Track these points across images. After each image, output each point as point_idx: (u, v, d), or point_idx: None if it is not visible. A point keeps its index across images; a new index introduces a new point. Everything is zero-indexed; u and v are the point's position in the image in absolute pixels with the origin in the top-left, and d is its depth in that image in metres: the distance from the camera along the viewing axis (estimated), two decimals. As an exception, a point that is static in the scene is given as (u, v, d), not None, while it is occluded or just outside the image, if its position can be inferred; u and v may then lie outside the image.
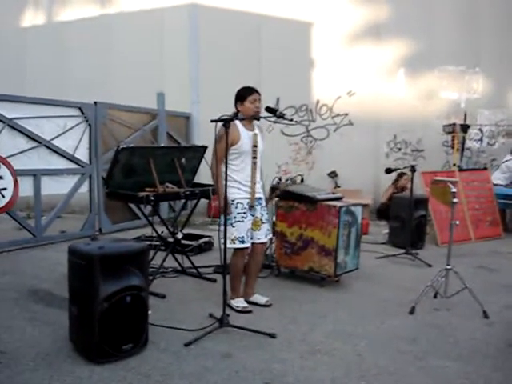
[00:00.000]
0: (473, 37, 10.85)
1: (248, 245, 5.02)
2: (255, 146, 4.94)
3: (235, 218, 4.90)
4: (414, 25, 10.97)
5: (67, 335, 4.06)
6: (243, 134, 4.88)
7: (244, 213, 4.93)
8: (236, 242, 4.92)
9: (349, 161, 11.15)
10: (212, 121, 4.33)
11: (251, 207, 4.98)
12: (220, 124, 4.40)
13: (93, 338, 3.70)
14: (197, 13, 11.60)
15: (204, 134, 10.39)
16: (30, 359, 3.83)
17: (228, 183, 4.76)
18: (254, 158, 4.96)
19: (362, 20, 11.15)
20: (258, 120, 4.93)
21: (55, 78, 12.38)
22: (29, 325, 4.56)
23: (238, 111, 4.96)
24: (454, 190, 5.22)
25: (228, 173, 4.76)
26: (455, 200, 5.23)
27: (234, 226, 4.90)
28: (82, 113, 8.52)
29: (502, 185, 9.68)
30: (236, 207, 4.90)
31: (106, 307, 3.69)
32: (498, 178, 9.82)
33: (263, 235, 5.18)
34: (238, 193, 4.91)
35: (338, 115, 11.45)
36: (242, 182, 4.93)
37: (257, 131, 5.02)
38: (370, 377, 3.69)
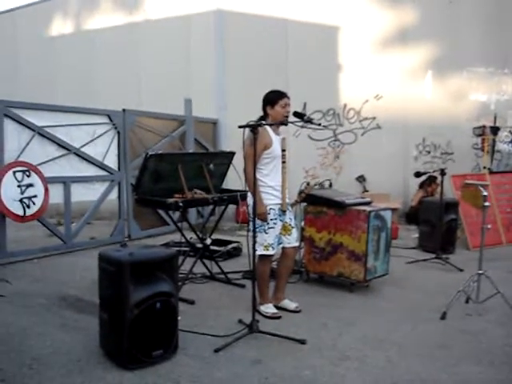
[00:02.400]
0: (501, 37, 10.70)
1: (276, 251, 5.01)
2: (284, 150, 4.92)
3: (268, 224, 4.89)
4: (440, 27, 10.86)
5: (98, 341, 4.09)
6: (273, 138, 4.87)
7: (275, 219, 4.92)
8: (269, 248, 4.91)
9: (377, 165, 11.07)
10: (240, 126, 4.32)
11: (284, 212, 4.97)
12: (248, 129, 4.39)
13: (123, 344, 3.72)
14: (222, 18, 11.64)
15: (231, 140, 10.43)
16: (61, 365, 3.86)
17: (260, 188, 4.77)
18: (284, 162, 4.93)
19: (388, 23, 11.08)
20: (286, 125, 4.91)
21: (84, 85, 12.55)
22: (60, 331, 4.60)
23: (266, 115, 4.95)
24: (485, 193, 5.15)
25: (260, 178, 4.78)
26: (487, 203, 5.16)
27: (267, 233, 4.89)
28: (111, 120, 8.60)
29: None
30: (269, 213, 4.88)
31: (136, 313, 3.71)
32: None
33: (294, 239, 5.16)
34: (270, 198, 4.90)
35: (365, 119, 11.38)
36: (274, 187, 4.92)
37: (283, 135, 5.01)
38: (402, 383, 3.64)
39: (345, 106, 11.45)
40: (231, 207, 6.56)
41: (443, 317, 5.00)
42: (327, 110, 11.46)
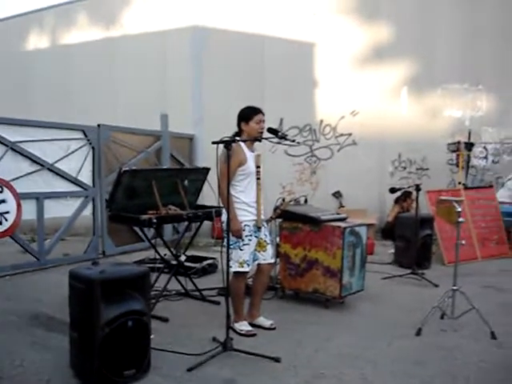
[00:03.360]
0: (474, 54, 10.83)
1: (251, 267, 4.97)
2: (258, 166, 4.89)
3: (243, 240, 4.85)
4: (415, 44, 10.98)
5: (68, 361, 4.00)
6: (248, 154, 4.85)
7: (250, 235, 4.88)
8: (244, 265, 4.87)
9: (353, 180, 11.11)
10: (213, 142, 4.29)
11: (259, 228, 4.94)
12: (222, 146, 4.36)
13: (93, 364, 3.65)
14: (200, 35, 11.66)
15: (208, 155, 10.28)
16: (31, 385, 3.77)
17: (235, 205, 4.75)
18: (258, 178, 4.91)
19: (364, 40, 11.17)
20: (260, 141, 4.89)
21: (59, 100, 12.45)
22: (30, 350, 4.51)
23: (240, 131, 4.94)
24: (459, 209, 5.17)
25: (235, 194, 4.76)
26: (461, 219, 5.18)
27: (242, 249, 4.85)
28: (86, 135, 8.52)
29: (508, 202, 9.61)
30: (244, 230, 4.85)
31: (107, 332, 3.64)
32: (503, 195, 9.75)
33: (269, 256, 5.13)
34: (245, 215, 4.86)
35: (341, 135, 11.43)
36: (249, 204, 4.89)
37: (258, 152, 4.99)
38: (376, 401, 3.61)
39: (321, 121, 11.50)
40: (207, 223, 6.51)
41: (418, 333, 4.98)
42: (304, 125, 11.50)
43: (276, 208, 6.18)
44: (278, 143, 5.26)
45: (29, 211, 7.55)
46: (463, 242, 5.30)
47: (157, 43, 11.95)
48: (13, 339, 4.79)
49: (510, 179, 9.91)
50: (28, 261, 7.79)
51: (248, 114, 4.89)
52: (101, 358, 3.64)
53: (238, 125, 4.95)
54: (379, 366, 4.24)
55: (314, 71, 11.48)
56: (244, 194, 4.86)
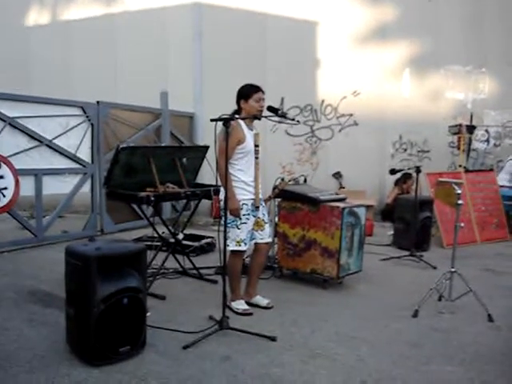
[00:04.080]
0: (479, 37, 10.75)
1: (248, 246, 4.96)
2: (257, 145, 4.86)
3: (241, 219, 4.83)
4: (419, 25, 10.88)
5: (64, 337, 4.00)
6: (247, 133, 4.81)
7: (248, 214, 4.87)
8: (241, 244, 4.86)
9: (354, 161, 11.08)
10: (212, 120, 4.25)
11: (257, 208, 4.91)
12: (221, 123, 4.32)
13: (89, 340, 3.65)
14: (201, 11, 11.54)
15: (208, 134, 10.21)
16: (26, 361, 3.77)
17: (234, 184, 4.72)
18: (257, 157, 4.88)
19: (368, 20, 11.06)
20: (260, 119, 4.85)
21: (59, 76, 12.36)
22: (26, 326, 4.51)
23: (240, 109, 4.89)
24: (458, 191, 5.14)
25: (233, 173, 4.73)
26: (460, 202, 5.15)
27: (239, 228, 4.84)
28: (85, 112, 8.47)
29: (507, 186, 9.59)
30: (241, 208, 4.82)
31: (103, 309, 3.63)
32: (503, 179, 9.73)
33: (267, 235, 5.11)
34: (243, 193, 4.84)
35: (343, 115, 11.36)
36: (248, 182, 4.86)
37: (256, 131, 4.95)
38: (371, 382, 3.61)
39: (322, 102, 11.42)
40: (207, 202, 6.49)
41: (415, 315, 4.98)
42: (305, 105, 11.42)
43: (275, 187, 6.15)
44: (279, 122, 5.22)
45: (27, 188, 7.51)
46: (462, 224, 5.27)
47: (157, 20, 11.83)
48: (10, 315, 4.79)
49: (508, 160, 9.87)
50: (26, 237, 7.78)
51: (247, 92, 4.84)
52: (96, 334, 3.63)
53: (238, 102, 4.90)
54: (375, 347, 4.24)
55: (317, 50, 11.38)
56: (242, 172, 4.82)
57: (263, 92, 4.89)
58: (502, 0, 10.75)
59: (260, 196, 4.98)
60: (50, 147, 7.93)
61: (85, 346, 3.71)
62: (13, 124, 7.38)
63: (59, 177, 8.09)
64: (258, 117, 4.79)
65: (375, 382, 3.62)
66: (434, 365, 3.92)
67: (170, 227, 6.32)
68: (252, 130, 4.90)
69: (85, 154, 8.51)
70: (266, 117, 4.77)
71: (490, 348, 4.27)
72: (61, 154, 8.09)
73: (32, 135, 7.64)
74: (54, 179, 7.99)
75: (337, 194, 6.45)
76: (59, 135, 8.05)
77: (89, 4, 12.61)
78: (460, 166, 9.84)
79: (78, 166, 8.39)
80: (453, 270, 5.16)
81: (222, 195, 4.80)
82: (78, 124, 8.38)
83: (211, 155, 5.07)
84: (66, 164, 8.21)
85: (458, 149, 10.02)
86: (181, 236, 6.31)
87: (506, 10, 10.71)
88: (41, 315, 4.81)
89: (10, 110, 7.38)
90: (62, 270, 3.94)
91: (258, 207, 4.92)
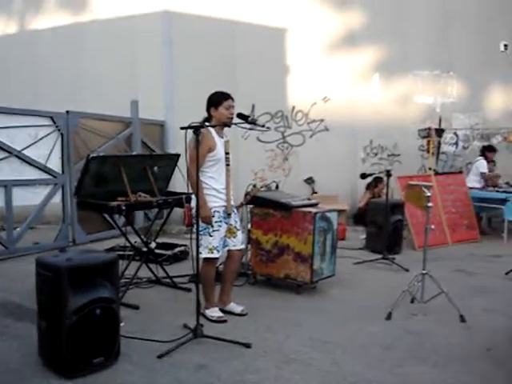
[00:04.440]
0: (446, 41, 10.93)
1: (221, 254, 4.95)
2: (227, 153, 4.87)
3: (213, 226, 4.82)
4: (387, 30, 11.01)
5: (37, 350, 3.95)
6: (217, 140, 4.82)
7: (220, 221, 4.86)
8: (214, 251, 4.85)
9: (325, 167, 11.13)
10: (182, 128, 4.25)
11: (229, 215, 4.91)
12: (191, 131, 4.32)
13: (62, 352, 3.61)
14: (170, 20, 11.49)
15: (179, 142, 10.15)
16: (-2, 375, 3.72)
17: (205, 191, 4.74)
18: (228, 165, 4.89)
19: (337, 26, 11.16)
20: (230, 127, 4.86)
21: (27, 86, 12.21)
22: (-2, 339, 4.45)
23: (210, 116, 4.90)
24: (428, 194, 5.20)
25: (204, 180, 4.74)
26: (430, 204, 5.21)
27: (211, 235, 4.83)
28: (54, 122, 8.38)
29: (477, 188, 9.73)
30: (213, 216, 4.82)
31: (75, 320, 3.60)
32: (472, 180, 9.88)
33: (240, 242, 5.11)
34: (214, 201, 4.83)
35: (313, 121, 11.43)
36: (219, 190, 4.86)
37: (227, 138, 4.95)
38: (346, 385, 3.63)
39: (293, 108, 11.47)
40: (180, 210, 6.45)
41: (389, 317, 5.02)
42: (276, 112, 11.45)
43: (247, 194, 6.16)
44: (250, 129, 5.22)
45: (-4, 199, 7.43)
46: (432, 226, 5.35)
47: (127, 28, 11.74)
48: (-20, 329, 4.72)
49: (476, 161, 10.04)
50: (-4, 250, 7.68)
51: (217, 99, 4.85)
52: (69, 346, 3.59)
53: (208, 110, 4.91)
54: (349, 351, 4.26)
55: (286, 57, 11.43)
56: (213, 180, 4.83)
57: (233, 99, 4.90)
58: (468, 5, 10.93)
59: (232, 203, 4.99)
60: (20, 158, 7.82)
61: (58, 358, 3.67)
62: (-19, 135, 7.29)
63: (29, 188, 7.98)
64: (228, 124, 4.80)
65: (350, 385, 3.64)
66: (408, 367, 3.95)
67: (143, 236, 6.28)
68: (222, 137, 4.91)
69: (55, 164, 8.41)
70: (236, 124, 4.78)
71: (462, 349, 4.32)
72: (30, 164, 7.98)
73: (1, 146, 7.54)
74: (24, 190, 7.89)
75: (309, 200, 6.48)
76: (29, 146, 7.94)
77: (57, 13, 12.50)
78: (430, 168, 9.98)
79: (48, 176, 8.28)
80: (424, 272, 5.22)
81: (193, 203, 4.80)
82: (48, 134, 8.28)
83: (183, 163, 5.06)
84: (36, 175, 8.10)
85: (428, 152, 10.15)
86: (153, 245, 6.30)
87: (472, 13, 10.91)
88: (12, 328, 4.74)
89: (-22, 122, 7.28)
90: (33, 282, 3.90)
91: (229, 214, 4.92)
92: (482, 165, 9.91)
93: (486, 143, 10.85)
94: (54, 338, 3.68)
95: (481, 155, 10.13)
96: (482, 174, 9.89)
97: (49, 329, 3.73)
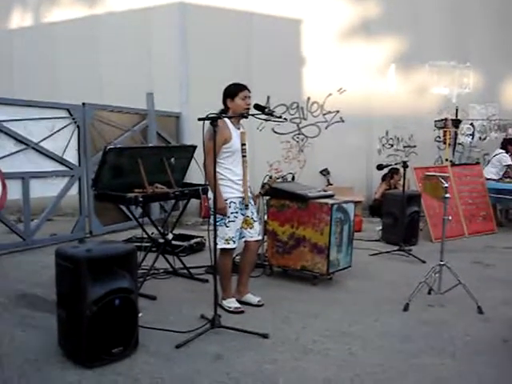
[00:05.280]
0: (463, 31, 10.84)
1: (237, 245, 4.97)
2: (244, 144, 4.88)
3: (229, 217, 4.84)
4: (403, 20, 10.94)
5: (56, 340, 3.99)
6: (233, 132, 4.82)
7: (236, 212, 4.88)
8: (230, 242, 4.87)
9: (341, 158, 11.11)
10: (199, 119, 4.26)
11: (246, 206, 4.93)
12: (208, 122, 4.33)
13: (82, 342, 3.65)
14: (185, 11, 11.49)
15: (195, 133, 10.19)
16: (19, 365, 3.76)
17: (221, 182, 4.74)
18: (244, 156, 4.90)
19: (352, 17, 11.11)
20: (247, 118, 4.86)
21: (44, 79, 12.27)
22: (17, 330, 4.49)
23: (226, 108, 4.90)
24: (445, 185, 5.18)
25: (220, 171, 4.74)
26: (447, 195, 5.19)
27: (227, 226, 4.85)
28: (71, 114, 8.42)
29: (494, 179, 9.66)
30: (229, 207, 4.84)
31: (95, 310, 3.63)
32: (490, 172, 9.81)
33: (256, 233, 5.12)
34: (231, 192, 4.85)
35: (329, 112, 11.40)
36: (235, 181, 4.87)
37: (243, 129, 4.96)
38: (363, 376, 3.64)
39: (308, 99, 11.44)
40: (195, 201, 6.47)
41: (406, 308, 5.02)
42: (291, 103, 11.43)
43: (264, 184, 6.16)
44: (266, 120, 5.23)
45: (14, 191, 7.45)
46: (450, 217, 5.32)
47: (142, 20, 11.75)
48: (0, 319, 4.76)
49: (495, 155, 9.93)
50: (14, 241, 7.72)
51: (233, 91, 4.85)
52: (88, 336, 3.63)
53: (224, 102, 4.91)
54: (366, 342, 4.26)
55: (302, 48, 11.40)
56: (230, 171, 4.84)
57: (249, 90, 4.90)
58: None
59: (249, 194, 5.00)
60: (37, 150, 7.88)
61: (77, 347, 3.71)
62: (-1, 127, 7.35)
63: (46, 180, 8.04)
64: (245, 115, 4.80)
65: (367, 375, 3.65)
66: (425, 358, 3.95)
67: (159, 227, 6.31)
68: (239, 128, 4.92)
69: (72, 156, 8.47)
70: (253, 115, 4.78)
71: (480, 340, 4.31)
72: (47, 156, 8.04)
73: (18, 138, 7.60)
74: (41, 182, 7.95)
75: (325, 191, 6.47)
76: (45, 138, 8.00)
77: (72, 5, 12.53)
78: (446, 159, 9.91)
79: (65, 168, 8.34)
80: (442, 263, 5.21)
81: (210, 194, 4.82)
82: (64, 126, 8.33)
83: (200, 155, 5.08)
84: (53, 167, 8.16)
85: (444, 143, 10.08)
86: (170, 236, 6.31)
87: (489, 3, 10.81)
88: (31, 319, 4.79)
89: (-5, 114, 7.34)
90: (51, 273, 3.94)
91: (247, 206, 4.94)
92: (506, 158, 9.78)
93: (503, 134, 10.77)
94: (73, 328, 3.71)
95: (502, 148, 10.01)
96: (510, 167, 9.77)
97: (68, 319, 3.77)
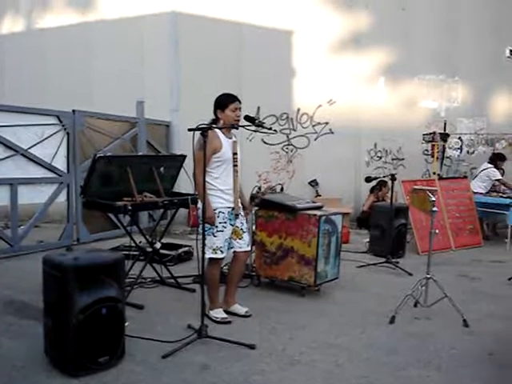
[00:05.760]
0: (452, 46, 10.96)
1: (225, 255, 4.97)
2: (235, 153, 4.90)
3: (217, 227, 4.84)
4: (393, 33, 11.04)
5: (43, 348, 3.97)
6: (224, 141, 4.83)
7: (225, 222, 4.88)
8: (218, 251, 4.86)
9: (329, 169, 11.15)
10: (189, 129, 4.27)
11: (236, 216, 4.94)
12: (199, 132, 4.35)
13: (68, 351, 3.63)
14: (177, 21, 11.52)
15: (184, 143, 10.24)
16: (4, 373, 3.74)
17: (210, 192, 4.74)
18: (235, 165, 4.91)
19: (343, 29, 11.19)
20: (237, 129, 4.87)
21: (34, 85, 12.24)
22: (3, 337, 4.46)
23: (217, 118, 4.92)
24: (433, 198, 5.22)
25: (210, 181, 4.75)
26: (435, 209, 5.23)
27: (215, 236, 4.84)
28: (60, 121, 8.41)
29: (481, 193, 9.72)
30: (218, 216, 4.83)
31: (82, 319, 3.61)
32: (477, 186, 9.86)
33: (245, 244, 5.12)
34: (219, 202, 4.85)
35: (318, 124, 11.46)
36: (224, 191, 4.87)
37: (235, 139, 4.98)
38: (349, 388, 3.65)
39: (298, 110, 11.51)
40: (183, 211, 6.48)
41: (392, 321, 5.04)
42: (281, 114, 11.49)
43: (252, 197, 6.17)
44: (255, 131, 5.25)
45: (2, 197, 7.46)
46: (437, 231, 5.37)
47: (133, 28, 11.76)
48: (-15, 326, 4.75)
49: (483, 169, 9.98)
50: (1, 247, 7.68)
51: (224, 102, 4.87)
52: (75, 344, 3.62)
53: (215, 112, 4.92)
54: (353, 354, 4.27)
55: (292, 59, 11.46)
56: (219, 180, 4.84)
57: (240, 101, 4.92)
58: (473, 9, 10.96)
59: (239, 204, 5.01)
60: (26, 156, 7.85)
61: (63, 356, 3.69)
62: (-13, 133, 7.32)
63: (35, 186, 8.01)
64: (235, 126, 4.81)
65: (353, 388, 3.66)
66: (411, 370, 3.97)
67: (148, 236, 6.30)
68: (231, 138, 4.93)
69: (60, 163, 8.44)
70: (243, 126, 4.79)
71: (465, 353, 4.33)
72: (36, 163, 8.02)
73: (7, 144, 7.57)
74: (30, 189, 7.92)
75: (313, 202, 6.49)
76: (35, 144, 7.98)
77: (64, 12, 12.53)
78: (434, 173, 9.98)
79: (53, 175, 8.32)
80: (428, 276, 5.24)
81: (200, 204, 4.82)
82: (54, 133, 8.31)
83: (189, 164, 5.09)
84: (42, 173, 8.13)
85: (432, 156, 10.16)
86: (158, 245, 6.30)
87: (478, 18, 10.93)
88: (18, 326, 4.76)
89: (-16, 120, 7.31)
90: (38, 280, 3.93)
91: (237, 215, 4.95)
92: (495, 173, 9.81)
93: (491, 148, 10.86)
94: (60, 336, 3.70)
95: (490, 162, 10.05)
96: (500, 181, 9.81)
97: (55, 327, 3.75)
